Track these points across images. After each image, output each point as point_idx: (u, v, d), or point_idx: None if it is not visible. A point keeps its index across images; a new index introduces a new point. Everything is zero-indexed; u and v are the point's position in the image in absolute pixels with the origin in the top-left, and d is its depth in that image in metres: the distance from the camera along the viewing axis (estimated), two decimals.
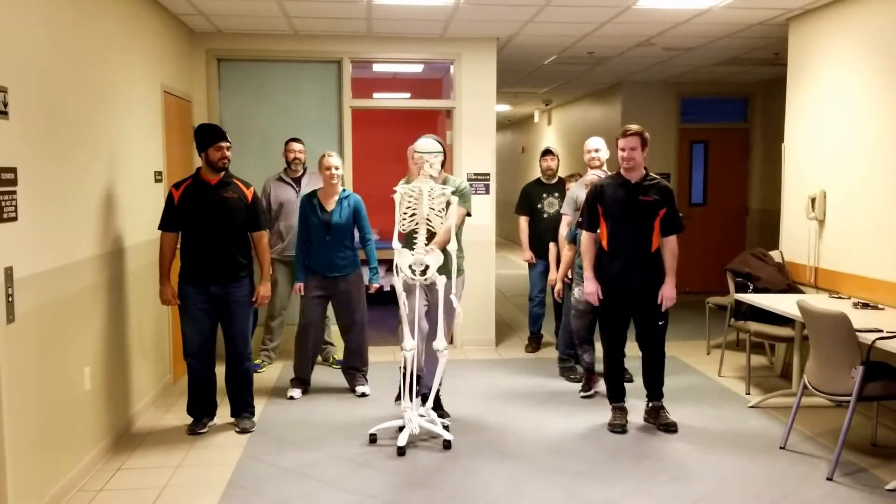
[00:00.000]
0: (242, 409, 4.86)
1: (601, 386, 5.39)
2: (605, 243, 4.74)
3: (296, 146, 6.18)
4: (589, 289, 4.79)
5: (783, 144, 6.34)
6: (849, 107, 5.44)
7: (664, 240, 4.75)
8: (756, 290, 5.71)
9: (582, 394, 5.54)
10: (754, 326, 5.63)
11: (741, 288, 5.81)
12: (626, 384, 5.05)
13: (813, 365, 4.30)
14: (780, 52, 6.92)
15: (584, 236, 4.85)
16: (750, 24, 6.34)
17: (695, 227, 10.03)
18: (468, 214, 4.84)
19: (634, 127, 4.68)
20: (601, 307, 4.82)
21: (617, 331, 4.83)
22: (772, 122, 9.22)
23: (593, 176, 5.45)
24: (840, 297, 5.25)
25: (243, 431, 4.75)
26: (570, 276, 5.66)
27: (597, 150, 5.81)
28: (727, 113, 10.13)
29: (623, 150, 4.63)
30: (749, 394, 5.58)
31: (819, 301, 4.86)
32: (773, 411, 5.17)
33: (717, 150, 10.08)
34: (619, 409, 4.86)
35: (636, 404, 5.01)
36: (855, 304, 4.91)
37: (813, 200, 5.74)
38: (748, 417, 5.08)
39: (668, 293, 4.69)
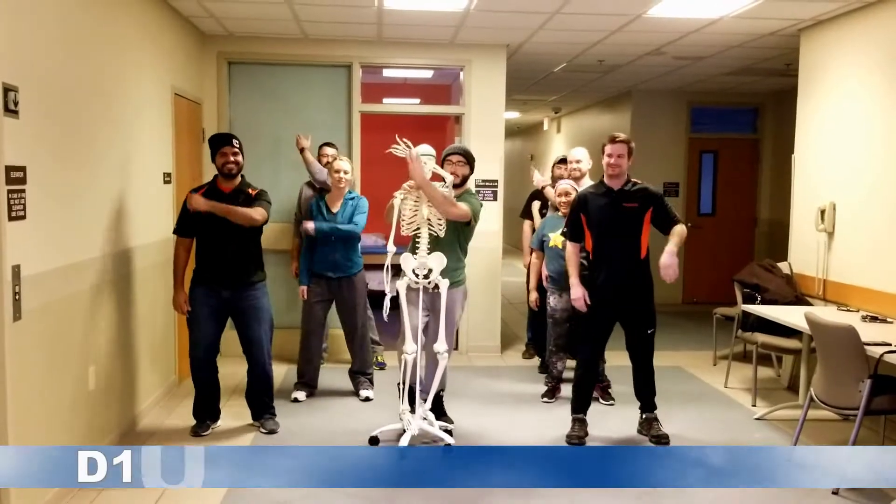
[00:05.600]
0: (264, 411, 4.87)
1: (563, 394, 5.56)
2: (590, 253, 4.71)
3: (328, 150, 6.14)
4: (575, 294, 4.72)
5: (793, 155, 6.32)
6: (860, 118, 5.42)
7: (671, 234, 4.61)
8: (764, 302, 5.68)
9: (545, 400, 5.59)
10: (762, 338, 5.59)
11: (749, 299, 5.78)
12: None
13: (820, 377, 4.28)
14: (792, 62, 6.90)
15: (569, 246, 4.81)
16: (761, 34, 6.33)
17: (703, 238, 10.01)
18: (469, 224, 4.71)
19: (622, 135, 4.68)
20: (586, 315, 4.77)
21: (597, 341, 4.76)
22: (782, 132, 9.19)
23: (566, 185, 5.50)
24: (848, 310, 5.21)
25: (270, 433, 4.78)
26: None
27: (578, 161, 5.76)
28: (737, 123, 10.10)
29: (610, 156, 4.59)
30: (755, 405, 5.55)
31: (827, 313, 4.83)
32: (780, 423, 5.14)
33: (726, 160, 10.05)
34: (580, 422, 4.79)
35: (630, 414, 4.99)
36: (863, 318, 4.87)
37: (822, 212, 5.71)
38: (754, 429, 5.05)
39: (666, 261, 4.42)
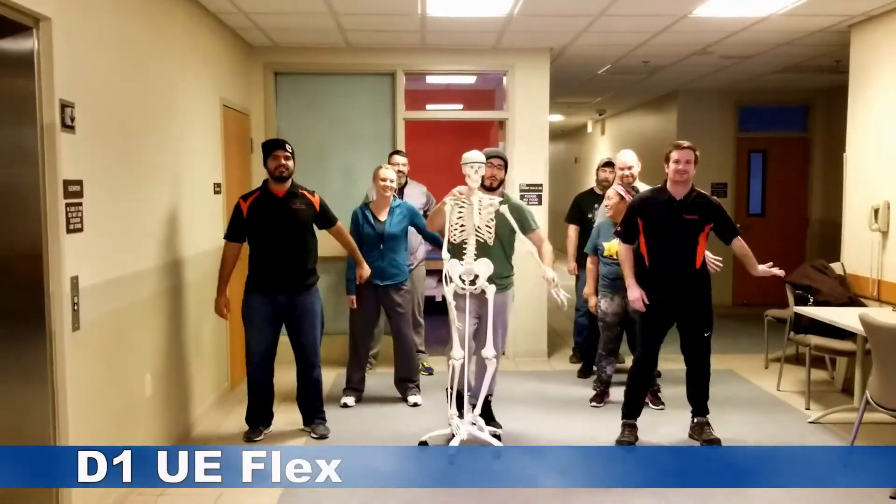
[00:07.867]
0: (314, 416, 4.93)
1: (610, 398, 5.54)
2: (646, 259, 4.66)
3: (399, 159, 6.18)
4: (633, 295, 4.67)
5: (844, 154, 6.19)
6: None
7: (732, 247, 4.67)
8: (816, 303, 5.58)
9: (593, 404, 5.57)
10: (814, 340, 5.49)
11: (801, 301, 5.68)
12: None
13: (876, 380, 4.18)
14: (842, 59, 6.76)
15: (622, 248, 4.76)
16: (810, 31, 6.21)
17: (753, 239, 9.68)
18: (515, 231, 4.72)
19: (687, 142, 4.63)
20: (642, 317, 4.72)
21: (652, 345, 4.71)
22: (833, 130, 8.98)
23: (610, 191, 5.50)
24: None
25: (321, 437, 4.82)
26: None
27: (630, 168, 5.71)
28: (786, 121, 9.92)
29: (678, 162, 4.54)
30: (809, 409, 5.44)
31: (882, 315, 4.71)
32: (834, 427, 5.03)
33: (776, 159, 9.87)
34: (630, 427, 4.74)
35: (681, 418, 4.93)
36: None
37: (876, 211, 5.58)
38: (808, 433, 4.96)
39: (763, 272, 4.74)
